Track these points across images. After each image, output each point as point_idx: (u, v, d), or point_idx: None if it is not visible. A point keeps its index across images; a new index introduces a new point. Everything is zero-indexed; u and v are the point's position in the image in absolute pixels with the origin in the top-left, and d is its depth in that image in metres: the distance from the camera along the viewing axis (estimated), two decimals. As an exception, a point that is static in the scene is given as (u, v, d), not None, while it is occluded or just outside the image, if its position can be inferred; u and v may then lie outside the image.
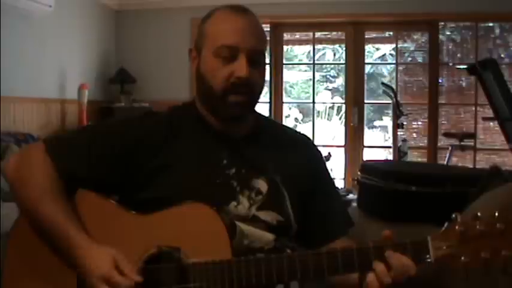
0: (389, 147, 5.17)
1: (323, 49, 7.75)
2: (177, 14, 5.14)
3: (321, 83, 7.94)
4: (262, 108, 5.10)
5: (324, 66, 8.23)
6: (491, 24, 5.11)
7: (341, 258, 1.04)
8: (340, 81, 7.52)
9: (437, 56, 5.07)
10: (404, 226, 2.20)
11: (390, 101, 4.74)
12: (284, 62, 5.50)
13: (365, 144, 5.34)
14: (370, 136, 7.22)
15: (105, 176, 1.21)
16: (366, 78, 5.48)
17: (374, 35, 5.69)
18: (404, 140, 4.69)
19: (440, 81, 5.11)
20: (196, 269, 1.06)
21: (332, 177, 1.41)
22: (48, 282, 1.14)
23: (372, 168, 2.86)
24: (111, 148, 1.22)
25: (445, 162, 4.71)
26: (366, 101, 5.40)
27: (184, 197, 1.13)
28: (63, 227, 1.11)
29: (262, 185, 1.23)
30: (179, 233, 1.11)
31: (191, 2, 4.97)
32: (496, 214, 0.98)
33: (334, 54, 8.00)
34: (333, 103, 8.33)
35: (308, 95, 7.01)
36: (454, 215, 1.00)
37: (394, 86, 4.99)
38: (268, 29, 5.15)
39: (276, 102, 5.38)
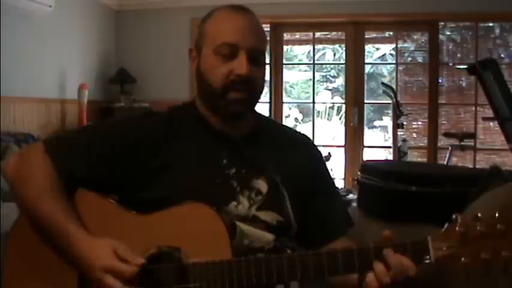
0: (390, 147, 5.17)
1: (323, 49, 7.75)
2: (177, 14, 5.14)
3: (321, 83, 7.94)
4: (262, 108, 5.10)
5: (324, 66, 8.23)
6: (491, 24, 5.11)
7: (341, 259, 1.04)
8: (340, 81, 7.53)
9: (437, 56, 5.07)
10: (404, 226, 2.19)
11: (390, 101, 4.74)
12: (284, 62, 5.50)
13: (365, 144, 5.34)
14: (370, 136, 7.22)
15: (105, 176, 1.21)
16: (366, 78, 5.48)
17: (374, 35, 5.69)
18: (404, 140, 4.69)
19: (440, 81, 5.11)
20: (197, 269, 1.06)
21: (332, 177, 1.41)
22: (48, 281, 1.14)
23: (372, 168, 2.86)
24: (111, 148, 1.22)
25: (445, 162, 4.71)
26: (366, 101, 5.40)
27: (184, 197, 1.13)
28: (63, 224, 1.11)
29: (262, 185, 1.23)
30: (179, 233, 1.10)
31: (191, 2, 4.97)
32: (496, 215, 0.97)
33: (334, 54, 8.00)
34: (333, 103, 8.33)
35: (308, 95, 7.01)
36: (454, 216, 1.00)
37: (394, 86, 4.99)
38: (268, 29, 5.15)
39: (276, 102, 5.38)
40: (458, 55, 5.19)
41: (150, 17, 5.25)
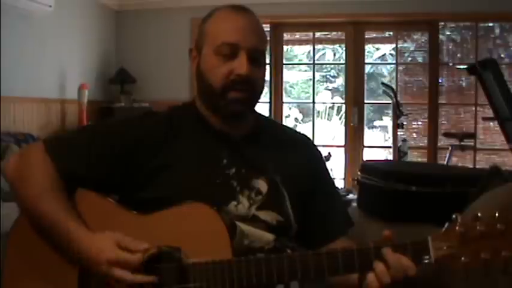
0: (390, 147, 5.17)
1: (323, 49, 7.75)
2: (177, 14, 5.14)
3: (321, 83, 7.94)
4: (262, 108, 5.10)
5: (324, 66, 8.23)
6: (491, 24, 5.11)
7: (341, 259, 1.04)
8: (340, 81, 7.53)
9: (437, 56, 5.07)
10: (404, 226, 2.20)
11: (390, 101, 4.74)
12: (284, 62, 5.50)
13: (365, 144, 5.34)
14: (370, 136, 7.22)
15: (105, 176, 1.21)
16: (366, 78, 5.48)
17: (374, 35, 5.69)
18: (404, 140, 4.69)
19: (440, 81, 5.11)
20: (197, 269, 1.06)
21: (332, 177, 1.41)
22: (48, 281, 1.14)
23: (372, 168, 2.87)
24: (111, 148, 1.22)
25: (445, 162, 4.71)
26: (366, 101, 5.40)
27: (184, 197, 1.13)
28: (64, 223, 1.11)
29: (262, 185, 1.23)
30: (179, 233, 1.10)
31: (191, 2, 4.97)
32: (496, 215, 0.97)
33: (334, 54, 8.00)
34: (333, 103, 8.33)
35: (308, 95, 7.01)
36: (454, 216, 1.00)
37: (394, 86, 4.99)
38: (268, 29, 5.15)
39: (276, 102, 5.38)
40: (458, 55, 5.19)
41: (150, 17, 5.25)
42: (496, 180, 2.11)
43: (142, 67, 5.16)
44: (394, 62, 5.66)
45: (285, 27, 5.37)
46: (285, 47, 5.57)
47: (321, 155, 1.41)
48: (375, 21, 5.18)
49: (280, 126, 1.46)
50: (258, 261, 1.06)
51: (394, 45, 5.60)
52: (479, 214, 0.98)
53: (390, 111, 5.02)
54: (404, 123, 4.80)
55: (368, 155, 5.42)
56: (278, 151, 1.31)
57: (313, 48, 5.62)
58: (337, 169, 5.11)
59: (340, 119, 7.87)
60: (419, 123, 5.22)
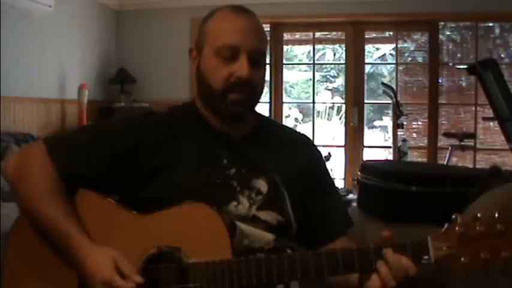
0: (390, 147, 5.17)
1: (323, 49, 7.74)
2: (177, 14, 5.14)
3: (321, 83, 7.94)
4: (262, 108, 5.10)
5: (324, 66, 8.23)
6: (491, 24, 5.11)
7: (341, 259, 1.04)
8: (340, 81, 7.52)
9: (437, 56, 5.07)
10: (404, 226, 2.20)
11: (390, 101, 4.74)
12: (284, 62, 5.50)
13: (365, 144, 5.34)
14: (370, 136, 7.22)
15: (105, 176, 1.21)
16: (366, 78, 5.48)
17: (374, 35, 5.69)
18: (404, 140, 4.69)
19: (440, 81, 5.11)
20: (197, 269, 1.06)
21: (332, 177, 1.41)
22: (48, 281, 1.14)
23: (372, 168, 2.86)
24: (111, 148, 1.22)
25: (445, 162, 4.71)
26: (366, 101, 5.40)
27: (184, 197, 1.13)
28: (63, 227, 1.11)
29: (262, 185, 1.23)
30: (179, 233, 1.11)
31: (191, 2, 4.97)
32: (496, 215, 0.98)
33: (334, 54, 7.99)
34: (333, 103, 8.33)
35: (308, 95, 7.01)
36: (454, 216, 1.00)
37: (394, 86, 4.99)
38: (268, 29, 5.15)
39: (276, 102, 5.38)
40: (458, 55, 5.19)
41: (150, 17, 5.25)
42: (496, 180, 2.11)
43: (142, 67, 5.16)
44: (394, 62, 5.66)
45: (285, 27, 5.37)
46: (285, 47, 5.57)
47: (321, 155, 1.41)
48: (375, 21, 5.18)
49: (280, 126, 1.46)
50: (258, 261, 1.06)
51: (394, 45, 5.60)
52: (479, 214, 0.98)
53: (390, 111, 5.02)
54: (404, 123, 4.80)
55: (368, 155, 5.42)
56: (278, 151, 1.30)
57: (313, 48, 5.62)
58: (337, 169, 5.11)
59: (340, 119, 7.86)
60: (419, 123, 5.22)
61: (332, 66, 8.29)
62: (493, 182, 2.09)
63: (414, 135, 5.24)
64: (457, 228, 0.99)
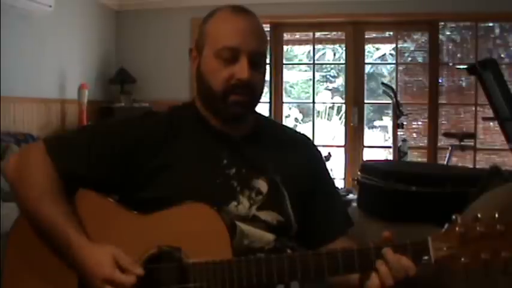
0: (390, 147, 5.17)
1: (323, 49, 7.74)
2: (177, 14, 5.14)
3: (321, 83, 7.94)
4: (262, 108, 5.10)
5: (324, 66, 8.23)
6: (491, 24, 5.11)
7: (341, 259, 1.04)
8: (340, 81, 7.52)
9: (437, 56, 5.07)
10: (404, 226, 2.20)
11: (390, 101, 4.74)
12: (284, 62, 5.51)
13: (365, 144, 5.34)
14: (370, 136, 7.22)
15: (105, 176, 1.21)
16: (366, 78, 5.48)
17: (374, 35, 5.69)
18: (404, 140, 4.69)
19: (440, 81, 5.11)
20: (197, 269, 1.06)
21: (332, 177, 1.41)
22: (48, 281, 1.14)
23: (372, 168, 2.87)
24: (111, 148, 1.22)
25: (445, 162, 4.71)
26: (366, 101, 5.40)
27: (185, 197, 1.13)
28: (63, 227, 1.11)
29: (262, 185, 1.23)
30: (180, 233, 1.11)
31: (191, 2, 4.97)
32: (496, 215, 0.98)
33: (334, 54, 7.99)
34: (333, 103, 8.33)
35: (308, 95, 7.01)
36: (454, 217, 1.00)
37: (394, 86, 4.99)
38: (268, 29, 5.15)
39: (276, 102, 5.38)
40: (458, 55, 5.19)
41: (150, 17, 5.25)
42: (496, 180, 2.11)
43: (142, 67, 5.16)
44: (394, 62, 5.66)
45: (285, 27, 5.37)
46: (285, 47, 5.57)
47: (321, 155, 1.41)
48: (374, 21, 5.18)
49: (280, 126, 1.46)
50: (258, 261, 1.06)
51: (394, 45, 5.60)
52: (479, 215, 0.98)
53: (390, 111, 5.02)
54: (404, 123, 4.81)
55: (368, 155, 5.42)
56: (278, 151, 1.30)
57: (313, 48, 5.62)
58: (337, 169, 5.11)
59: (340, 119, 7.87)
60: (419, 123, 5.22)
61: (332, 66, 8.29)
62: (493, 182, 2.09)
63: (414, 135, 5.24)
64: (457, 228, 0.99)
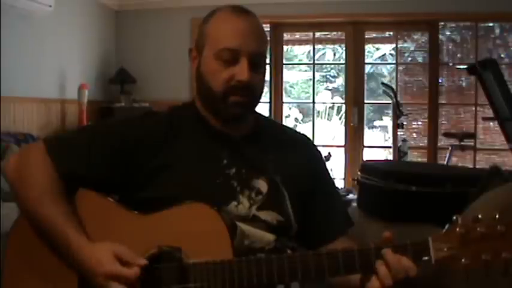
0: (390, 147, 5.17)
1: (323, 49, 7.74)
2: (177, 14, 5.14)
3: (321, 83, 7.94)
4: (262, 108, 5.10)
5: (324, 66, 8.23)
6: (491, 24, 5.11)
7: (342, 259, 1.04)
8: (340, 81, 7.52)
9: (437, 56, 5.07)
10: (404, 226, 2.20)
11: (390, 101, 4.74)
12: (284, 62, 5.50)
13: (365, 144, 5.34)
14: (370, 136, 7.22)
15: (105, 176, 1.21)
16: (366, 78, 5.48)
17: (374, 35, 5.69)
18: (404, 140, 4.69)
19: (440, 81, 5.11)
20: (197, 269, 1.06)
21: (332, 177, 1.41)
22: (48, 281, 1.14)
23: (372, 168, 2.87)
24: (111, 148, 1.22)
25: (445, 162, 4.71)
26: (366, 101, 5.40)
27: (185, 197, 1.13)
28: (63, 228, 1.11)
29: (262, 185, 1.23)
30: (180, 233, 1.10)
31: (191, 2, 4.97)
32: (497, 216, 0.97)
33: (334, 54, 7.99)
34: (333, 103, 8.33)
35: (308, 95, 7.01)
36: (454, 217, 1.00)
37: (394, 86, 4.99)
38: (268, 29, 5.15)
39: (276, 102, 5.38)
40: (458, 55, 5.19)
41: (150, 17, 5.24)
42: (496, 180, 2.11)
43: (142, 67, 5.16)
44: (394, 62, 5.66)
45: (285, 27, 5.37)
46: (285, 47, 5.57)
47: (321, 155, 1.41)
48: (374, 21, 5.17)
49: (280, 126, 1.46)
50: (259, 262, 1.06)
51: (394, 45, 5.60)
52: (479, 215, 0.98)
53: (390, 111, 5.02)
54: (405, 123, 4.80)
55: (368, 155, 5.42)
56: (278, 151, 1.30)
57: (313, 48, 5.62)
58: (337, 169, 5.11)
59: (340, 119, 7.87)
60: (419, 123, 5.22)
61: (332, 66, 8.29)
62: (493, 182, 2.09)
63: (414, 135, 5.24)
64: (457, 229, 0.99)
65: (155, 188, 1.19)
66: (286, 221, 1.24)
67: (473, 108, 5.06)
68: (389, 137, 5.93)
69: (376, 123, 8.01)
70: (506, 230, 0.96)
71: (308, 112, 6.79)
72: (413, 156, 5.10)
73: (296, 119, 7.95)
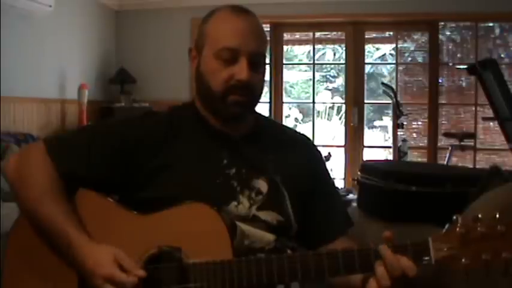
0: (390, 147, 5.17)
1: (323, 49, 7.74)
2: (177, 14, 5.14)
3: (321, 83, 7.94)
4: (262, 108, 5.10)
5: (324, 66, 8.23)
6: (491, 24, 5.11)
7: (342, 259, 1.03)
8: (340, 81, 7.52)
9: (437, 56, 5.07)
10: (404, 226, 2.20)
11: (390, 101, 4.74)
12: (284, 62, 5.51)
13: (365, 144, 5.34)
14: (370, 136, 7.22)
15: (105, 176, 1.21)
16: (366, 78, 5.48)
17: (374, 35, 5.69)
18: (404, 140, 4.69)
19: (440, 81, 5.11)
20: (197, 269, 1.06)
21: (332, 177, 1.41)
22: (48, 281, 1.14)
23: (372, 168, 2.87)
24: (111, 148, 1.22)
25: (445, 162, 4.71)
26: (366, 101, 5.41)
27: (185, 197, 1.13)
28: (63, 227, 1.11)
29: (262, 185, 1.23)
30: (180, 233, 1.10)
31: (191, 2, 4.97)
32: (497, 216, 0.97)
33: (334, 54, 7.99)
34: (333, 103, 8.32)
35: (308, 95, 7.01)
36: (454, 217, 1.00)
37: (394, 86, 4.99)
38: (268, 29, 5.15)
39: (276, 102, 5.38)
40: (458, 55, 5.19)
41: (150, 17, 5.25)
42: (496, 180, 2.11)
43: (142, 67, 5.16)
44: (394, 62, 5.66)
45: (285, 27, 5.37)
46: (285, 47, 5.57)
47: (320, 155, 1.41)
48: (374, 21, 5.18)
49: (280, 126, 1.46)
50: (259, 262, 1.06)
51: (394, 45, 5.60)
52: (479, 215, 0.98)
53: (390, 111, 5.02)
54: (405, 123, 4.81)
55: (368, 155, 5.42)
56: (278, 151, 1.30)
57: (313, 48, 5.62)
58: (337, 169, 5.11)
59: (340, 119, 7.86)
60: (419, 123, 5.22)
61: (332, 66, 8.29)
62: (493, 182, 2.09)
63: (414, 135, 5.24)
64: (457, 229, 0.99)
65: (155, 188, 1.19)
66: (286, 221, 1.24)
67: (473, 108, 5.06)
68: (389, 137, 5.93)
69: (376, 123, 8.01)
70: (506, 230, 0.96)
71: (308, 112, 6.79)
72: (413, 156, 5.10)
73: (296, 119, 7.95)
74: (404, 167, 3.37)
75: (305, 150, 1.37)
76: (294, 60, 7.39)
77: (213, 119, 1.27)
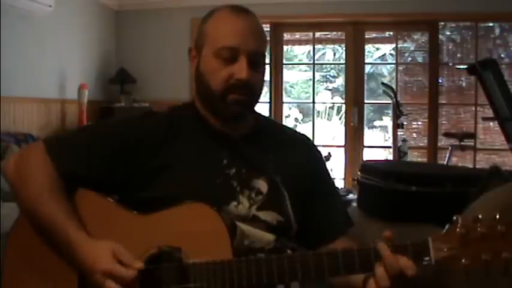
0: (390, 147, 5.17)
1: (323, 49, 7.74)
2: (177, 14, 5.14)
3: (321, 83, 7.94)
4: (262, 108, 5.10)
5: (324, 66, 8.22)
6: (491, 24, 5.11)
7: (342, 259, 1.03)
8: (340, 81, 7.52)
9: (437, 56, 5.07)
10: (404, 226, 2.20)
11: (390, 101, 4.74)
12: (284, 62, 5.51)
13: (365, 144, 5.34)
14: (370, 136, 7.22)
15: (105, 176, 1.21)
16: (366, 78, 5.48)
17: (374, 35, 5.69)
18: (404, 140, 4.69)
19: (440, 81, 5.12)
20: (197, 269, 1.06)
21: (332, 177, 1.41)
22: (48, 281, 1.14)
23: (372, 168, 2.87)
24: (111, 148, 1.22)
25: (445, 162, 4.71)
26: (366, 101, 5.41)
27: (185, 197, 1.13)
28: (63, 225, 1.11)
29: (262, 185, 1.23)
30: (180, 233, 1.10)
31: (191, 2, 4.97)
32: (497, 216, 0.97)
33: (334, 54, 7.99)
34: (333, 103, 8.32)
35: (308, 95, 7.01)
36: (455, 217, 1.00)
37: (394, 86, 5.00)
38: (268, 29, 5.15)
39: (276, 102, 5.38)
40: (458, 55, 5.19)
41: (150, 17, 5.25)
42: (496, 180, 2.11)
43: (142, 67, 5.16)
44: (394, 62, 5.66)
45: (285, 27, 5.37)
46: (285, 47, 5.57)
47: (321, 155, 1.41)
48: (374, 21, 5.18)
49: (280, 126, 1.46)
50: (259, 262, 1.06)
51: (394, 45, 5.61)
52: (479, 215, 0.98)
53: (390, 111, 5.02)
54: (405, 123, 4.81)
55: (368, 155, 5.42)
56: (278, 151, 1.30)
57: (313, 48, 5.62)
58: (337, 169, 5.11)
59: (340, 119, 7.86)
60: (419, 123, 5.22)
61: (332, 66, 8.28)
62: (493, 182, 2.09)
63: (414, 135, 5.24)
64: (458, 229, 0.99)
65: (155, 188, 1.19)
66: (286, 221, 1.24)
67: (473, 108, 5.06)
68: (389, 137, 5.93)
69: (376, 123, 8.00)
70: (506, 230, 0.96)
71: (308, 112, 6.79)
72: (413, 156, 5.10)
73: (296, 119, 7.95)
74: (404, 167, 3.37)
75: (305, 150, 1.37)
76: (294, 60, 7.38)
77: (213, 118, 1.27)
